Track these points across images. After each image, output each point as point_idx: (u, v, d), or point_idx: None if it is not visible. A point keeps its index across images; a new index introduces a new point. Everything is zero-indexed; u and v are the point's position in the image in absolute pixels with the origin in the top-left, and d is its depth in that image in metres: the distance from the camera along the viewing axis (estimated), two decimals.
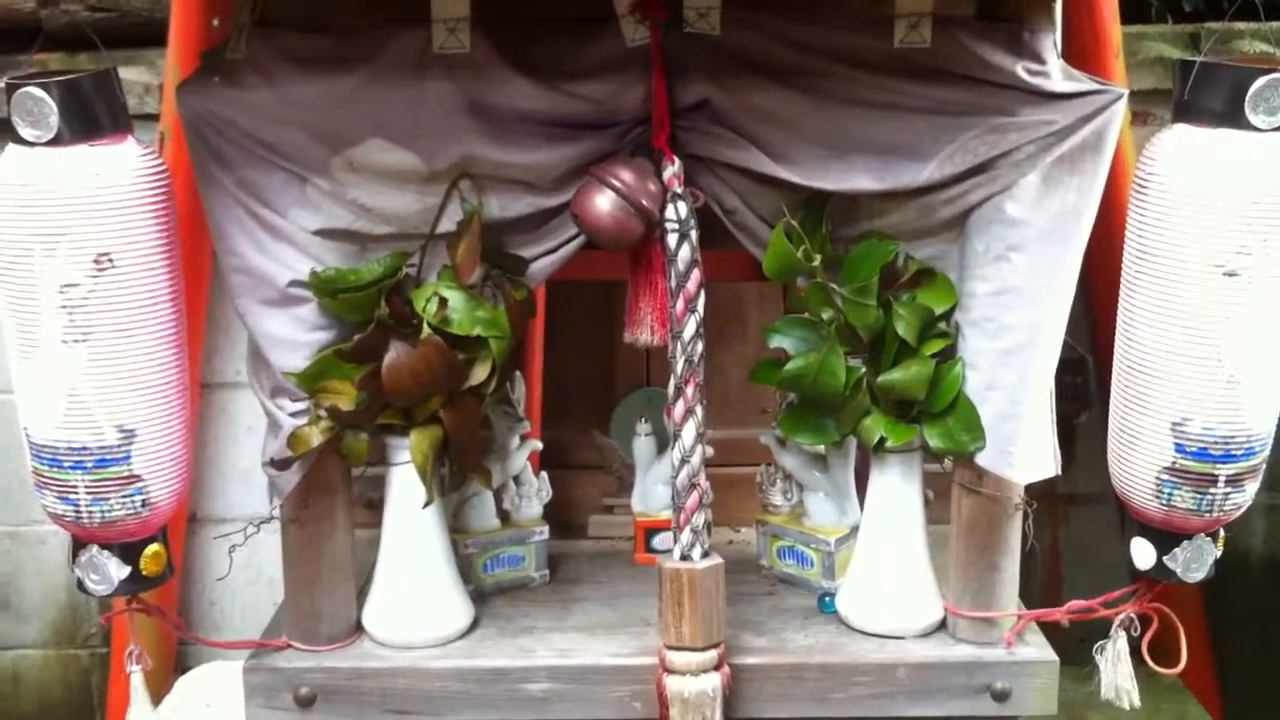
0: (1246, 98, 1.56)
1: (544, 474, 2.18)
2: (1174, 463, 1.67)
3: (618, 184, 1.73)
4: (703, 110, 1.77)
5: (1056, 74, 1.74)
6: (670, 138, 1.76)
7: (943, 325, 1.85)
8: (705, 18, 1.73)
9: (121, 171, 1.62)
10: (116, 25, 2.56)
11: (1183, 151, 1.61)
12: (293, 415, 1.81)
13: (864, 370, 1.85)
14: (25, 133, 1.59)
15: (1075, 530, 2.72)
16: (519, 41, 1.74)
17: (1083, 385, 2.56)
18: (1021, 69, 1.72)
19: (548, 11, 1.75)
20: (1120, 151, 1.81)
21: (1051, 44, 1.75)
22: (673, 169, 1.76)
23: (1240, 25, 2.61)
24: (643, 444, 2.26)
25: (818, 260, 1.79)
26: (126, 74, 2.53)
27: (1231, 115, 1.57)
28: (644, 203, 1.73)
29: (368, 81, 1.73)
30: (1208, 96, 1.59)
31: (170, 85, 2.27)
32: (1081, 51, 2.13)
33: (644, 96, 1.75)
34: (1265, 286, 1.59)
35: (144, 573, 1.75)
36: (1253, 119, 1.57)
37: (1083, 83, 1.75)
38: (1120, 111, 1.74)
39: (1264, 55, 2.58)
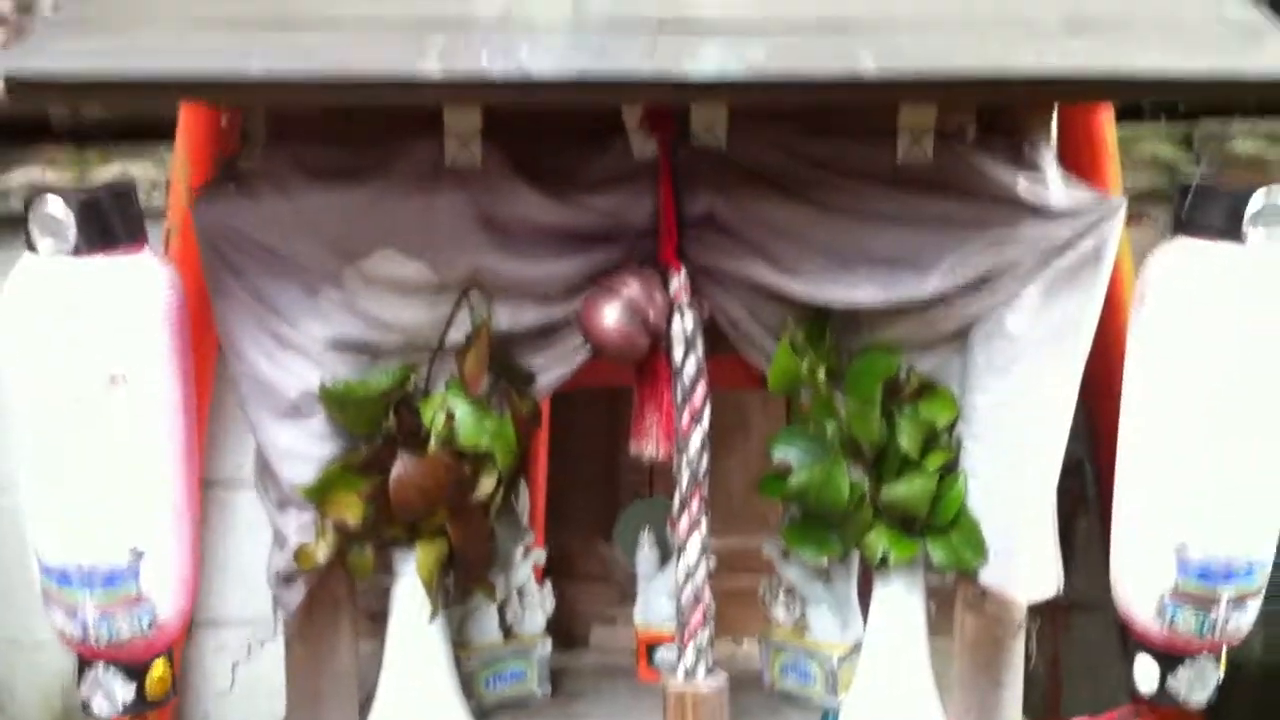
0: (1245, 216, 1.58)
1: (547, 584, 2.16)
2: (1176, 585, 1.67)
3: (623, 297, 1.73)
4: (709, 222, 1.77)
5: (1056, 186, 1.74)
6: (677, 249, 1.76)
7: (945, 438, 1.84)
8: (712, 132, 1.74)
9: (137, 283, 1.61)
10: (123, 120, 2.54)
11: (1183, 266, 1.62)
12: (299, 528, 1.79)
13: (867, 484, 1.84)
14: (42, 245, 1.57)
15: (1075, 636, 2.70)
16: (530, 154, 1.74)
17: (1080, 490, 2.55)
18: (1021, 182, 1.71)
19: (558, 125, 1.75)
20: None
21: (1051, 156, 1.76)
22: (679, 281, 1.76)
23: (1234, 125, 2.62)
24: (645, 554, 2.23)
25: (822, 375, 1.79)
26: (133, 169, 2.51)
27: (1231, 232, 1.59)
28: (650, 316, 1.74)
29: (381, 194, 1.72)
30: (1207, 215, 1.61)
31: (177, 181, 2.24)
32: (1075, 154, 2.12)
33: (652, 209, 1.76)
34: (1267, 404, 1.60)
35: (149, 696, 1.72)
36: (1252, 236, 1.58)
37: (1082, 194, 1.75)
38: (1119, 223, 1.74)
39: (1256, 159, 2.60)
